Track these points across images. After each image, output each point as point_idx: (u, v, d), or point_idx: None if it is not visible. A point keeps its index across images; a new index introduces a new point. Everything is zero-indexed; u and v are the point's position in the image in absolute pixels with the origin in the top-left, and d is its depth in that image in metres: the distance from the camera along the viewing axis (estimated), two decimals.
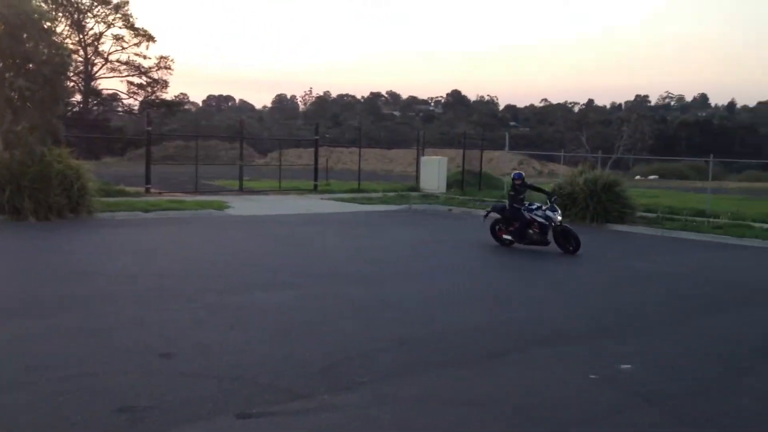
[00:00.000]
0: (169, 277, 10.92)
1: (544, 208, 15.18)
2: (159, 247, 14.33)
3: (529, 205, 15.39)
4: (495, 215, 16.05)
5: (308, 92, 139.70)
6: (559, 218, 15.06)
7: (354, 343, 7.58)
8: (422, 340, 7.81)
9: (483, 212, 17.22)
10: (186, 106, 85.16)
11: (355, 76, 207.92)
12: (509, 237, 15.58)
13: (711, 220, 20.80)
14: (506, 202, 16.14)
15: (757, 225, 19.89)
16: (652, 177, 52.20)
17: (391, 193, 28.96)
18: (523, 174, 16.13)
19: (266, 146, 59.26)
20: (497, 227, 15.93)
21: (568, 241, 14.85)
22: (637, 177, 50.56)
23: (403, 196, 27.67)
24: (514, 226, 15.44)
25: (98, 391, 5.84)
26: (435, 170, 31.24)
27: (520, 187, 15.64)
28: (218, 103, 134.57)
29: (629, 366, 7.12)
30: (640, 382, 6.64)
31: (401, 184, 32.93)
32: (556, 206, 15.33)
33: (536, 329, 8.54)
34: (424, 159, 32.44)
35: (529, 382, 6.52)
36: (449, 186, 31.53)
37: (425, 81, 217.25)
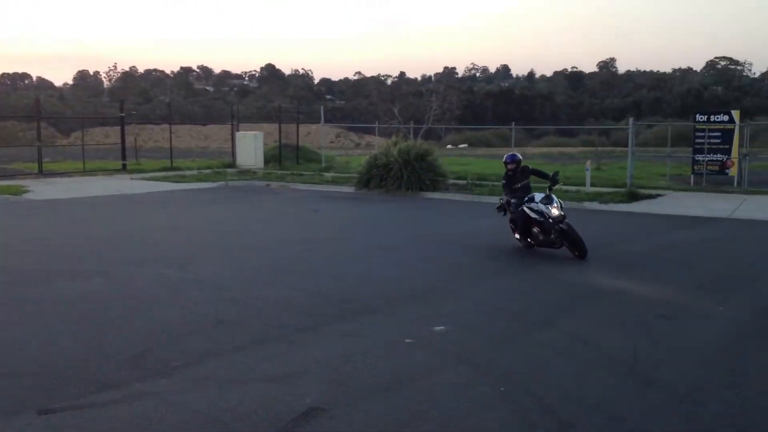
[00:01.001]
0: None
1: (537, 199, 11.81)
2: None
3: (525, 196, 12.06)
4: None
5: (113, 68, 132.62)
6: (555, 212, 11.48)
7: (167, 326, 7.30)
8: (238, 319, 7.66)
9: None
10: None
11: (163, 51, 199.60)
12: (518, 237, 12.51)
13: None
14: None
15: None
16: (462, 146, 54.48)
17: (207, 170, 28.20)
18: (519, 156, 12.53)
19: (70, 126, 55.68)
20: (512, 225, 12.77)
21: (571, 244, 11.49)
22: (449, 146, 52.57)
23: (220, 173, 27.05)
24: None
25: None
26: (251, 145, 30.77)
27: (513, 173, 12.33)
28: (13, 82, 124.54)
29: (443, 328, 7.40)
30: (452, 342, 6.93)
31: (218, 161, 32.21)
32: (553, 196, 11.82)
33: (350, 300, 8.62)
34: (239, 134, 31.80)
35: (346, 352, 6.58)
36: (267, 161, 31.22)
37: (238, 55, 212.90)
